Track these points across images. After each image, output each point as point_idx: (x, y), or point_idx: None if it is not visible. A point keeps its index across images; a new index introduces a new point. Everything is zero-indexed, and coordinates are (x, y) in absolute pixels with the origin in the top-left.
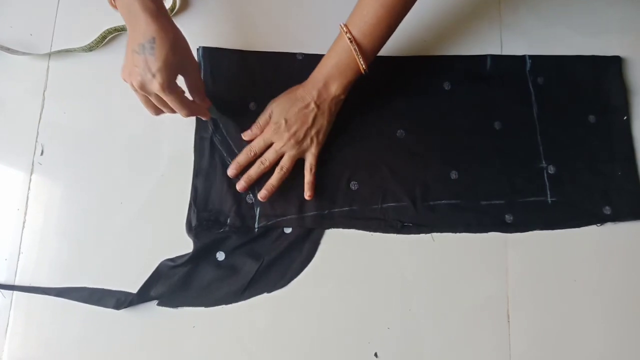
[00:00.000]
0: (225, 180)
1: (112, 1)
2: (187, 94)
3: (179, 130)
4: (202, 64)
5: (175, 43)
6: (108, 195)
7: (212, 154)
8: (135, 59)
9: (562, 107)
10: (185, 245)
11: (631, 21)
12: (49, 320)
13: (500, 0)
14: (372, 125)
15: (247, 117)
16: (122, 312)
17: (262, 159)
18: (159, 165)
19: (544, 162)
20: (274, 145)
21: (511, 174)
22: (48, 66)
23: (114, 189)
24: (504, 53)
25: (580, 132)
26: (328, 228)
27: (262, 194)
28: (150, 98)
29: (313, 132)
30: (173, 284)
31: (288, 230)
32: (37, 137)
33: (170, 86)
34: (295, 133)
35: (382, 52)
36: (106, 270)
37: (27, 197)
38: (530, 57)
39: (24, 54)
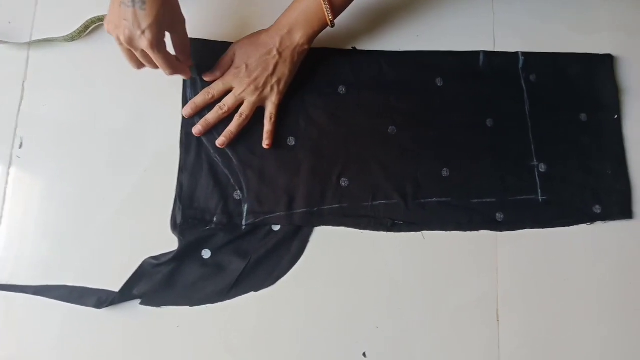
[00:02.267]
0: (212, 177)
1: None
2: (171, 50)
3: (164, 125)
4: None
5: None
6: (90, 190)
7: (198, 150)
8: (123, 12)
9: (554, 105)
10: (169, 243)
11: (624, 20)
12: (27, 320)
13: None
14: (364, 121)
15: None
16: (103, 311)
17: (220, 104)
18: (143, 160)
19: (535, 160)
20: (233, 91)
21: (502, 172)
22: (28, 56)
23: (96, 184)
24: (497, 50)
25: (571, 130)
26: (317, 225)
27: (219, 141)
28: (135, 53)
29: (274, 80)
30: (157, 283)
31: (276, 227)
32: (15, 130)
33: (159, 44)
34: (255, 79)
35: (374, 46)
36: (87, 268)
37: (5, 192)
38: (523, 54)
39: (2, 42)
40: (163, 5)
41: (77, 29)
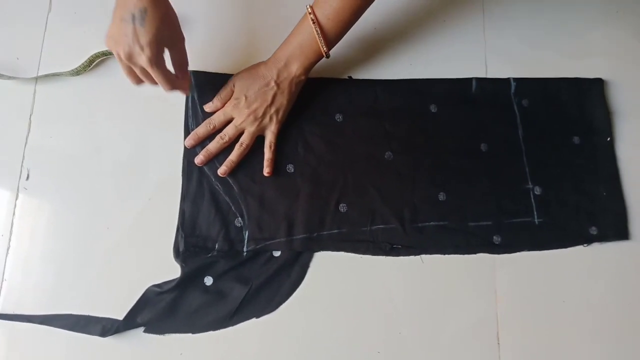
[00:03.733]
0: (213, 204)
1: None
2: (170, 67)
3: (167, 155)
4: (191, 87)
5: (166, 16)
6: (94, 220)
7: (200, 178)
8: (123, 28)
9: (547, 129)
10: (172, 271)
11: (613, 44)
12: (33, 349)
13: (485, 24)
14: (360, 147)
15: (235, 140)
16: (108, 339)
17: (221, 134)
18: (146, 190)
19: (530, 183)
20: (233, 121)
21: (498, 195)
22: (35, 90)
23: (100, 214)
24: (489, 76)
25: (565, 153)
26: (317, 251)
27: (221, 170)
28: (134, 69)
29: (272, 110)
30: (160, 310)
31: (277, 253)
32: (22, 162)
33: (157, 60)
34: (255, 110)
35: (369, 75)
36: (92, 296)
37: (12, 223)
38: (515, 79)
39: (10, 77)
40: (162, 22)
41: (82, 64)
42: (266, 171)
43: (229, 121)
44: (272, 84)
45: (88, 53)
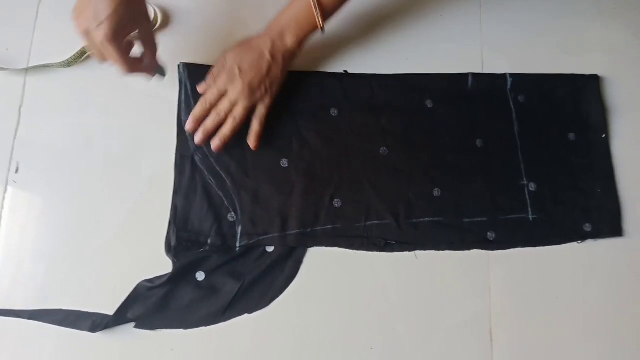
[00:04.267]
0: (206, 199)
1: None
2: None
3: (159, 149)
4: (183, 80)
5: None
6: (85, 214)
7: (192, 172)
8: (86, 2)
9: (543, 125)
10: (164, 266)
11: (610, 40)
12: (22, 344)
13: (482, 20)
14: (356, 142)
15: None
16: (98, 335)
17: (217, 109)
18: (138, 184)
19: (525, 180)
20: (227, 95)
21: (493, 192)
22: (25, 82)
23: (91, 208)
24: (485, 71)
25: (560, 149)
26: (311, 246)
27: (214, 144)
28: (93, 46)
29: (267, 82)
30: (151, 306)
31: (270, 249)
32: (12, 154)
33: (114, 37)
34: (249, 82)
35: (365, 69)
36: (82, 291)
37: (1, 216)
38: (511, 75)
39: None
40: None
41: (74, 55)
42: (253, 145)
43: (222, 96)
44: (267, 55)
45: (80, 44)
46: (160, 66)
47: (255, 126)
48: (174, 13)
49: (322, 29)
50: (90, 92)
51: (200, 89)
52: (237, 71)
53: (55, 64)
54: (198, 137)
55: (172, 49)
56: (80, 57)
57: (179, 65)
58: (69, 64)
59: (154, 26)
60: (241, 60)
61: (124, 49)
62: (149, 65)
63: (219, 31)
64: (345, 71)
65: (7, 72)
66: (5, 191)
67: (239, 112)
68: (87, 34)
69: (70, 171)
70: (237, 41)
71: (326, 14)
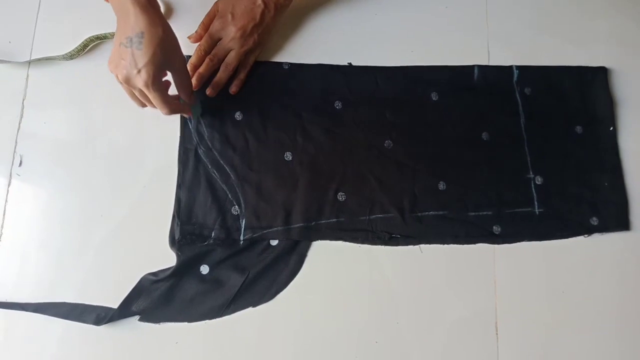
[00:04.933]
0: (210, 192)
1: None
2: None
3: (163, 142)
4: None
5: (164, 39)
6: (89, 207)
7: (196, 165)
8: (122, 52)
9: (549, 118)
10: (168, 259)
11: (617, 32)
12: (27, 337)
13: (488, 11)
14: (360, 135)
15: (232, 127)
16: (103, 328)
17: (210, 55)
18: (142, 177)
19: (531, 173)
20: (221, 41)
21: (499, 185)
22: (27, 74)
23: (95, 201)
24: (491, 64)
25: (567, 143)
26: (315, 240)
27: (208, 91)
28: (134, 92)
29: (260, 29)
30: (155, 299)
31: (274, 242)
32: (15, 148)
33: (154, 83)
34: (242, 27)
35: (370, 62)
36: (86, 285)
37: (5, 210)
38: (518, 67)
39: (2, 62)
40: (160, 45)
41: (76, 48)
42: (233, 90)
43: (216, 42)
44: (259, 1)
45: (82, 37)
46: (198, 104)
47: (241, 75)
48: (176, 5)
49: None
50: (93, 85)
51: (191, 38)
52: (229, 17)
53: (58, 56)
54: (194, 84)
55: None
56: (83, 49)
57: None
58: (71, 56)
59: None
60: (233, 7)
61: (164, 92)
62: (185, 106)
63: None
64: (350, 63)
65: (9, 65)
66: (9, 184)
67: (232, 58)
68: (127, 81)
69: (74, 164)
70: None
71: None
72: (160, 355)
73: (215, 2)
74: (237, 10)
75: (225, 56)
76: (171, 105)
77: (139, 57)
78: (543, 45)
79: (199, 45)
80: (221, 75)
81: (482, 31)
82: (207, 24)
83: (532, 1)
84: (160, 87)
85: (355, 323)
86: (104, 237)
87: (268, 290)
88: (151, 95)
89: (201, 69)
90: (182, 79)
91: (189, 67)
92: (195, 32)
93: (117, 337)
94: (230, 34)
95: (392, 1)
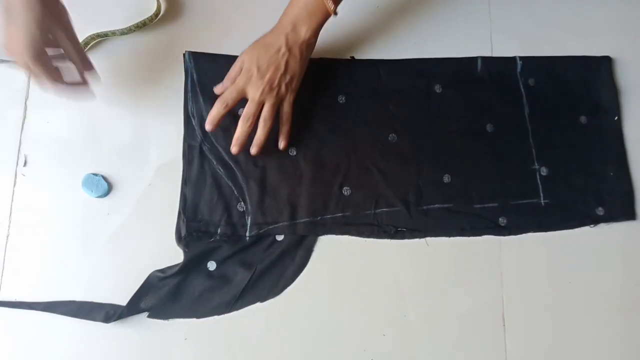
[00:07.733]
0: (215, 189)
1: None
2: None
3: (167, 139)
4: (189, 69)
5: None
6: (94, 206)
7: (201, 162)
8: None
9: (554, 109)
10: (175, 256)
11: (621, 21)
12: (36, 336)
13: (490, 2)
14: (364, 129)
15: (234, 122)
16: (112, 325)
17: (243, 116)
18: (147, 175)
19: (536, 164)
20: (250, 97)
21: (504, 177)
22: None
23: (101, 200)
24: (495, 54)
25: (571, 133)
26: (321, 235)
27: (253, 150)
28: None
29: (287, 78)
30: (163, 296)
31: (280, 237)
32: (19, 148)
33: (36, 54)
34: (269, 80)
35: (372, 55)
36: (94, 283)
37: (11, 210)
38: (521, 58)
39: (3, 61)
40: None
41: None
42: (282, 144)
43: (241, 97)
44: (284, 49)
45: (83, 35)
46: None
47: (285, 127)
48: (180, 1)
49: (335, 13)
50: (96, 84)
51: (217, 89)
52: (255, 71)
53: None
54: (235, 149)
55: (177, 37)
56: (84, 48)
57: (184, 54)
58: None
59: (156, 16)
60: (258, 60)
61: (47, 63)
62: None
63: (225, 20)
64: (352, 57)
65: (12, 65)
66: (14, 184)
67: (268, 112)
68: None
69: (78, 162)
70: (252, 43)
71: None
72: (170, 351)
73: (241, 55)
74: (262, 63)
75: (259, 112)
76: (53, 75)
77: (21, 28)
78: (546, 35)
79: (222, 98)
80: (261, 132)
81: (485, 22)
82: (233, 77)
83: None
84: (40, 59)
85: (362, 316)
86: (110, 235)
87: (275, 286)
88: (36, 70)
89: (238, 133)
90: (70, 41)
91: (210, 120)
92: (221, 84)
93: (126, 334)
94: (259, 89)
95: None
